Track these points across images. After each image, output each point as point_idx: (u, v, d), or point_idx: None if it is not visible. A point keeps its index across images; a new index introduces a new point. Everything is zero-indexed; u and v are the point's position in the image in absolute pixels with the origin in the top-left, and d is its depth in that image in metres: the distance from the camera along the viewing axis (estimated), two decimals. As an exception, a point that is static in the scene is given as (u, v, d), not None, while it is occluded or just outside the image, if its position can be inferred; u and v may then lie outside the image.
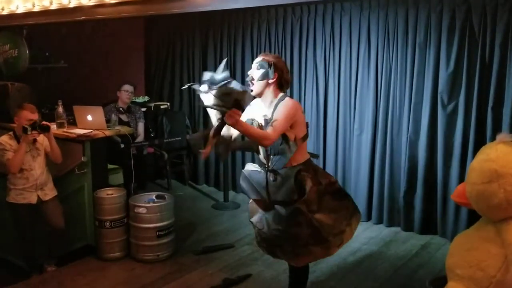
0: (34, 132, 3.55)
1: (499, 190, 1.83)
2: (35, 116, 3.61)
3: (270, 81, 2.78)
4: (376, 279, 3.71)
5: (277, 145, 2.75)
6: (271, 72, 2.76)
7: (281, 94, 2.83)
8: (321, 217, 2.76)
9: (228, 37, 5.76)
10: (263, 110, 2.86)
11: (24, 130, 3.52)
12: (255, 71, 2.80)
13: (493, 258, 1.83)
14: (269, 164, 2.86)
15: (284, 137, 2.74)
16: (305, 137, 2.87)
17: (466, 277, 1.90)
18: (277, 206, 2.85)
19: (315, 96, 5.11)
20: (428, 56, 4.32)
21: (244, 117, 2.80)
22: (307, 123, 2.93)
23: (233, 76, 5.75)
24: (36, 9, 4.75)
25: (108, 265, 3.98)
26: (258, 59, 2.84)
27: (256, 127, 2.82)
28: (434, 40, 4.26)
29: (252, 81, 2.81)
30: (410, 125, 4.49)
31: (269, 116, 2.79)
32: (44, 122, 3.65)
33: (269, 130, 2.68)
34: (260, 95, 2.83)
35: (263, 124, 2.84)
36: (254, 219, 3.04)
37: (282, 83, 2.82)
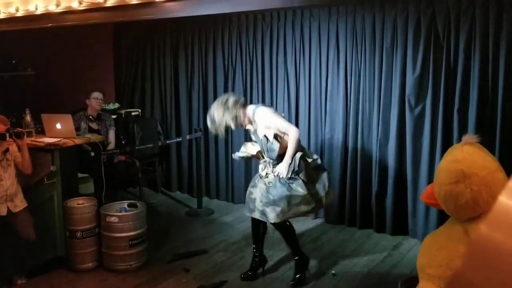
0: (9, 139, 3.46)
1: (465, 190, 1.87)
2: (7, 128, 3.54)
3: (238, 116, 3.47)
4: (349, 281, 3.75)
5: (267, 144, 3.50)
6: (230, 116, 3.44)
7: (249, 110, 3.52)
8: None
9: (199, 43, 5.75)
10: (255, 133, 3.57)
11: (2, 136, 3.43)
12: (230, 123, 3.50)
13: (461, 257, 1.87)
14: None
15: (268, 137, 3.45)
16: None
17: (436, 276, 1.95)
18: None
19: (287, 101, 5.15)
20: (395, 60, 4.42)
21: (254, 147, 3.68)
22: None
23: (204, 83, 5.76)
24: (2, 16, 4.65)
25: (80, 276, 3.90)
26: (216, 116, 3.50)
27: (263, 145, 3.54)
28: (400, 44, 4.36)
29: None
30: (380, 127, 4.58)
31: (258, 130, 3.51)
32: (18, 129, 3.57)
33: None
34: (244, 126, 3.58)
35: (266, 140, 3.49)
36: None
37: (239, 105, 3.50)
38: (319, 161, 3.73)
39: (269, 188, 3.50)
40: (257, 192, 3.59)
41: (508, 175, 1.88)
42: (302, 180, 3.47)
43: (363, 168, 4.72)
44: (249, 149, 3.73)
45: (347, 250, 4.32)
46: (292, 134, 3.43)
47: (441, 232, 2.10)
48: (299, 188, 3.45)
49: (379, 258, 4.15)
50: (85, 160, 4.44)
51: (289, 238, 3.67)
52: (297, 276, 3.66)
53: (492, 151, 2.98)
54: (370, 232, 4.72)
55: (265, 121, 3.47)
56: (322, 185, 3.59)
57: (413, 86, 4.31)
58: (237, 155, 3.79)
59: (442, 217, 3.43)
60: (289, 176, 3.46)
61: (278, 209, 3.45)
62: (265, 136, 3.48)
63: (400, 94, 4.41)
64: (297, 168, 3.47)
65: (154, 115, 6.22)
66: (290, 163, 3.46)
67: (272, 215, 3.47)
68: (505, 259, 0.68)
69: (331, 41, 4.78)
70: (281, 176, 3.46)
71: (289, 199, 3.44)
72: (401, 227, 4.59)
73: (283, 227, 3.61)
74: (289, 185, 3.46)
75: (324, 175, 3.65)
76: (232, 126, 3.52)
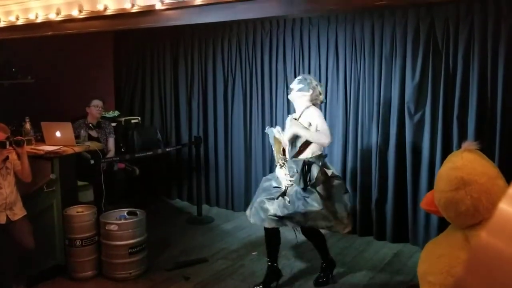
0: (9, 147, 3.46)
1: (466, 197, 1.87)
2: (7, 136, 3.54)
3: (313, 90, 3.63)
4: (350, 289, 3.74)
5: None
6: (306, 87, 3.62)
7: (308, 101, 3.64)
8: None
9: (199, 51, 5.76)
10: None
11: (2, 144, 3.42)
12: (295, 85, 3.68)
13: (462, 264, 1.87)
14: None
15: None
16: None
17: (437, 284, 1.93)
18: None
19: (286, 109, 5.15)
20: (394, 67, 4.43)
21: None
22: None
23: (204, 91, 5.77)
24: (2, 24, 4.67)
25: (79, 284, 3.89)
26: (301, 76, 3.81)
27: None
28: (399, 52, 4.37)
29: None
30: (379, 134, 4.58)
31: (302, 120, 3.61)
32: (17, 137, 3.57)
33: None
34: (300, 104, 3.67)
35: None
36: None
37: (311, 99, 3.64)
38: (341, 178, 3.74)
39: (286, 204, 3.52)
40: (272, 205, 3.56)
41: (508, 182, 1.87)
42: (319, 194, 3.45)
43: (363, 175, 4.72)
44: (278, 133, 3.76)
45: (347, 258, 4.30)
46: (323, 137, 3.45)
47: (441, 239, 2.09)
48: (315, 203, 3.41)
49: (379, 265, 4.14)
50: (84, 168, 4.43)
51: (319, 245, 3.78)
52: (320, 275, 3.78)
53: (492, 157, 2.98)
54: (371, 239, 4.70)
55: (313, 116, 3.56)
56: (343, 205, 3.55)
57: (413, 93, 4.32)
58: (272, 129, 3.77)
59: (443, 224, 3.42)
60: (305, 188, 3.45)
61: (294, 220, 3.49)
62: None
63: (399, 101, 4.42)
64: (313, 180, 3.45)
65: (154, 122, 6.23)
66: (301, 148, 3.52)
67: (288, 222, 3.51)
68: (506, 266, 0.68)
69: (330, 49, 4.80)
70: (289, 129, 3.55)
71: (305, 214, 3.43)
72: (401, 235, 4.57)
73: (315, 235, 3.67)
74: (305, 199, 3.44)
75: (346, 197, 3.63)
76: (307, 93, 3.62)
